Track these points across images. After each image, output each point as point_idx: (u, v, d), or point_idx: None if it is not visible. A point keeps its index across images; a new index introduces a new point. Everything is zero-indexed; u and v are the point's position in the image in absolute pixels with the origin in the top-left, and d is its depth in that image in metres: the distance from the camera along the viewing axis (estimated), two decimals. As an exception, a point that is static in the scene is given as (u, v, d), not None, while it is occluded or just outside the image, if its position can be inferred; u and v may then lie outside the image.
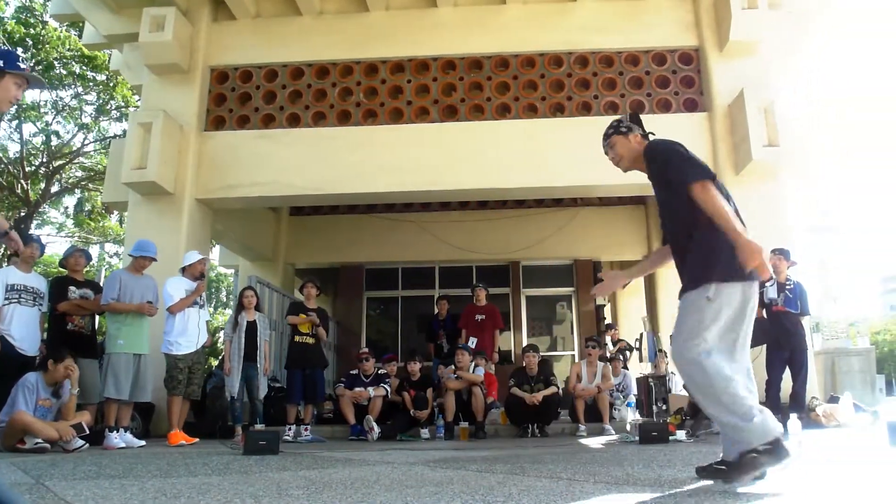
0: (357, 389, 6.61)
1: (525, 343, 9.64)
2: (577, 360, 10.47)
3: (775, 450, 2.20)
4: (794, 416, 3.75)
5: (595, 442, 5.51)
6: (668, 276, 9.89)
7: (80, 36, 12.21)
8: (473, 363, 6.80)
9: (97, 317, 5.95)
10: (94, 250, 19.13)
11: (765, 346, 5.89)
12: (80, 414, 5.03)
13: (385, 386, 6.72)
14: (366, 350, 7.41)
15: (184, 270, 5.97)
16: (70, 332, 5.52)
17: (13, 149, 16.10)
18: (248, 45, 8.24)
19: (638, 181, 3.28)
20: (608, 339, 9.95)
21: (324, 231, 11.40)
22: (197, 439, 5.74)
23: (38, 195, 16.04)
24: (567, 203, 11.21)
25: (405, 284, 11.90)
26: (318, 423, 7.13)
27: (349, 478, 2.85)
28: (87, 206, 18.52)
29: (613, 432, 6.36)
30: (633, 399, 7.06)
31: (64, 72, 15.42)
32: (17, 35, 14.53)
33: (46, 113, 16.19)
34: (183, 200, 7.53)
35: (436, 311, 8.89)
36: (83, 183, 17.60)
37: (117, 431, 5.24)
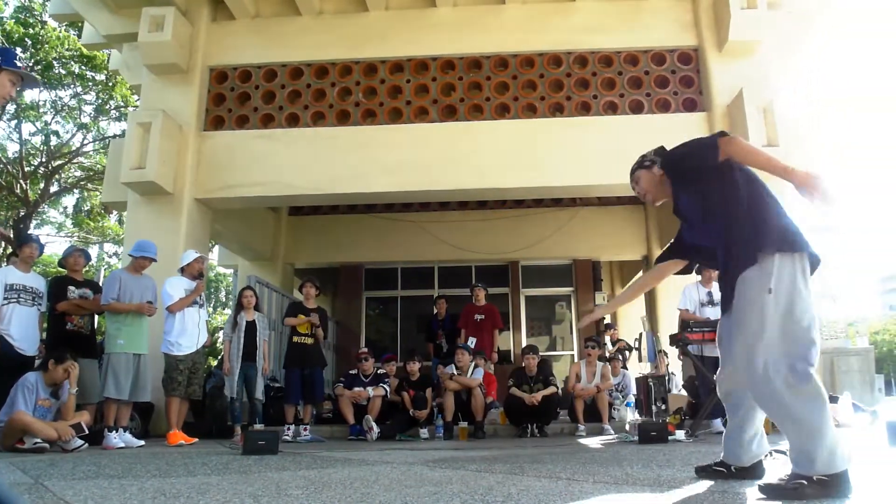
0: (356, 389, 6.61)
1: (524, 343, 9.63)
2: (576, 359, 10.47)
3: (832, 483, 1.99)
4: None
5: (594, 442, 5.51)
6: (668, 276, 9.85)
7: (79, 36, 12.24)
8: (473, 363, 6.82)
9: (96, 316, 5.95)
10: (93, 250, 19.13)
11: None
12: (80, 414, 5.03)
13: (384, 386, 6.72)
14: (365, 350, 7.41)
15: (182, 270, 5.97)
16: (69, 331, 5.52)
17: (12, 148, 16.12)
18: (247, 44, 8.23)
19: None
20: (607, 338, 9.94)
21: (323, 231, 11.40)
22: (196, 439, 5.73)
23: (37, 195, 16.03)
24: (566, 203, 11.20)
25: (404, 284, 11.90)
26: (318, 422, 7.13)
27: (348, 478, 2.85)
28: (87, 206, 18.52)
29: (612, 432, 6.37)
30: (632, 399, 7.07)
31: (63, 71, 15.41)
32: (17, 35, 14.52)
33: (45, 113, 16.19)
34: (182, 200, 7.52)
35: (435, 310, 8.89)
36: (82, 183, 17.60)
37: (116, 431, 5.24)
